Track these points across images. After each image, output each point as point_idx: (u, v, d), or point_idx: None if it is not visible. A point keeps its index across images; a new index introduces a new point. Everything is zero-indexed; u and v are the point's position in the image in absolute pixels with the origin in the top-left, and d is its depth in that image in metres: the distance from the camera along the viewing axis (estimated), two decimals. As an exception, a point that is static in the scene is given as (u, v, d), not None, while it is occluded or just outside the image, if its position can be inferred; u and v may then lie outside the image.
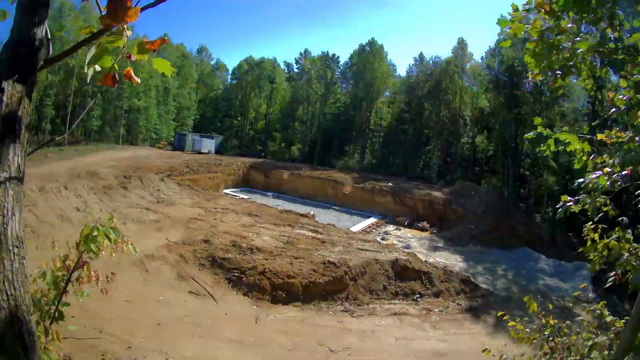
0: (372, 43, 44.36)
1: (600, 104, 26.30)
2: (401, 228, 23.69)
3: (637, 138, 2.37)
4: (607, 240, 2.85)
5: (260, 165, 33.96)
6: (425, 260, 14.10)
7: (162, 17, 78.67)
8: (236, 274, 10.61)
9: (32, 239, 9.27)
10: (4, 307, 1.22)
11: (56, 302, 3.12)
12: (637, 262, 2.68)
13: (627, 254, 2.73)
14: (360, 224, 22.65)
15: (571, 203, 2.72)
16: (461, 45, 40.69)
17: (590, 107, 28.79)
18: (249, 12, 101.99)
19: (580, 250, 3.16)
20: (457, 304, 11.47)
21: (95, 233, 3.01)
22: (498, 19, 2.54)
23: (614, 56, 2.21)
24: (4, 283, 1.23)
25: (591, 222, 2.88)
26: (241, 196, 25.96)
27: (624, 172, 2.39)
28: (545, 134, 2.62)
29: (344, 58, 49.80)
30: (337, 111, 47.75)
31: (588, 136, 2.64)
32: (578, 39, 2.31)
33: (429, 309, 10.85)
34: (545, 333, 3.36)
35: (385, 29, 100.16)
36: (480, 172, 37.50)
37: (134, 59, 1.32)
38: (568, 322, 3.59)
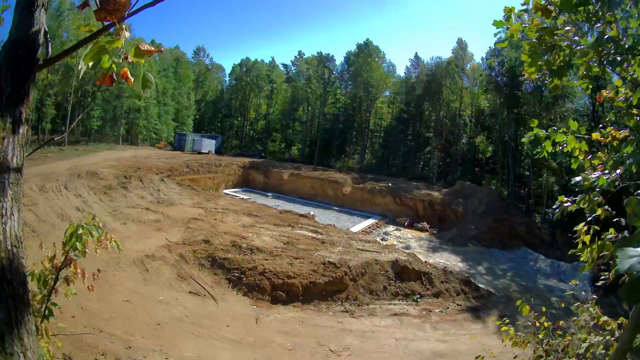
0: (367, 44, 44.41)
1: (600, 104, 26.28)
2: (401, 228, 23.70)
3: (632, 137, 2.37)
4: (601, 241, 2.83)
5: (260, 166, 33.98)
6: (425, 261, 14.09)
7: (160, 18, 78.93)
8: (236, 274, 10.61)
9: (32, 239, 9.28)
10: (4, 307, 1.22)
11: (46, 301, 3.19)
12: None
13: None
14: (360, 225, 22.66)
15: (568, 203, 2.71)
16: (461, 45, 40.72)
17: (590, 107, 28.80)
18: (245, 14, 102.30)
19: (570, 252, 3.10)
20: (457, 304, 11.46)
21: (80, 231, 3.09)
22: (494, 20, 2.54)
23: (612, 56, 2.21)
24: (3, 283, 1.24)
25: (583, 224, 2.82)
26: (241, 196, 25.97)
27: (617, 171, 2.39)
28: (542, 135, 2.62)
29: (341, 58, 49.91)
30: (337, 111, 47.80)
31: (585, 136, 2.63)
32: (576, 38, 2.31)
33: (429, 310, 10.84)
34: (540, 336, 3.34)
35: (385, 30, 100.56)
36: (480, 173, 37.49)
37: (130, 61, 1.33)
38: (562, 322, 3.58)
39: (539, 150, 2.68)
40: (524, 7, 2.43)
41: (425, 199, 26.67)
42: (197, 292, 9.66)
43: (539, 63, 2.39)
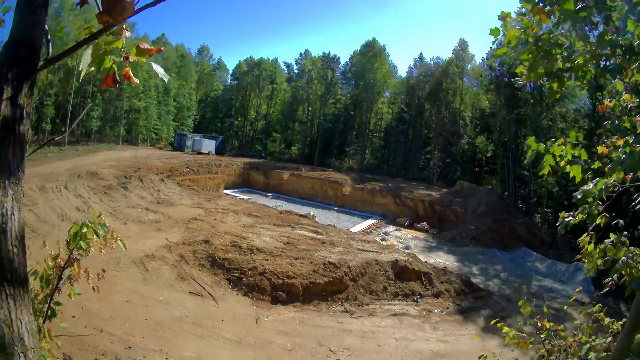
0: (373, 43, 44.39)
1: (600, 104, 26.29)
2: (401, 229, 23.69)
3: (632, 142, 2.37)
4: (603, 245, 2.87)
5: (260, 166, 33.99)
6: (425, 261, 14.09)
7: (163, 17, 79.01)
8: (236, 275, 10.61)
9: (33, 239, 9.27)
10: (4, 307, 1.22)
11: (49, 301, 3.14)
12: (634, 265, 2.68)
13: (623, 258, 2.74)
14: (360, 225, 22.65)
15: (569, 218, 2.73)
16: (462, 46, 40.73)
17: (590, 107, 28.80)
18: (250, 13, 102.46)
19: (575, 258, 3.18)
20: (457, 304, 11.46)
21: (84, 230, 3.03)
22: (490, 29, 2.51)
23: (611, 60, 2.21)
24: (3, 283, 1.24)
25: (585, 234, 2.90)
26: (241, 197, 25.97)
27: (612, 180, 2.40)
28: (542, 150, 2.61)
29: (345, 59, 49.90)
30: (337, 112, 47.78)
31: (584, 142, 2.62)
32: (572, 47, 2.31)
33: (429, 310, 10.84)
34: (542, 336, 3.35)
35: (385, 30, 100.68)
36: (480, 173, 37.47)
37: (132, 60, 1.33)
38: (562, 325, 3.59)
39: (542, 172, 2.68)
40: (523, 10, 2.42)
41: (425, 199, 26.66)
42: (197, 292, 9.66)
43: (538, 70, 2.39)
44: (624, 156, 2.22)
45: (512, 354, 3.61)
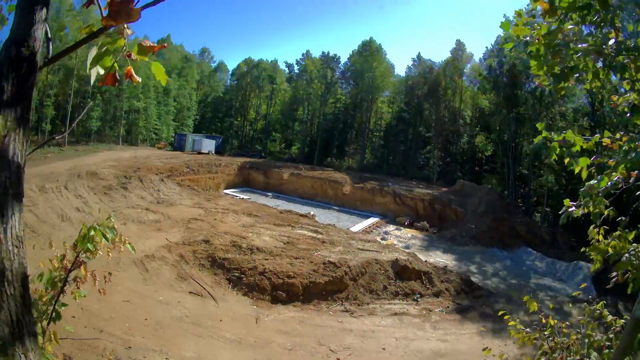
0: (370, 42, 44.44)
1: (600, 103, 26.30)
2: (401, 228, 23.69)
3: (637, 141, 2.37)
4: (609, 240, 2.87)
5: (260, 166, 33.96)
6: (426, 260, 14.09)
7: (164, 18, 79.04)
8: (236, 274, 10.61)
9: (32, 239, 9.27)
10: (4, 308, 1.22)
11: (54, 302, 3.10)
12: (638, 262, 2.68)
13: (627, 254, 2.74)
14: (361, 224, 22.64)
15: (573, 208, 2.72)
16: (459, 46, 40.97)
17: (590, 106, 28.81)
18: (252, 14, 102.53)
19: (582, 250, 3.20)
20: (457, 303, 11.46)
21: (92, 233, 3.00)
22: (501, 22, 2.54)
23: (616, 58, 2.21)
24: (4, 283, 1.23)
25: (593, 226, 2.92)
26: (241, 196, 25.96)
27: (616, 178, 2.41)
28: (550, 138, 2.62)
29: (344, 59, 49.89)
30: (337, 111, 47.78)
31: (590, 137, 2.63)
32: (581, 44, 2.31)
33: (429, 309, 10.84)
34: (545, 333, 3.36)
35: (385, 30, 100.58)
36: (480, 172, 37.47)
37: (134, 58, 1.32)
38: (566, 323, 3.60)
39: (551, 158, 2.70)
40: (532, 12, 2.44)
41: (425, 199, 26.65)
42: (197, 292, 9.65)
43: (545, 68, 2.40)
44: (633, 154, 2.23)
45: (514, 352, 3.62)
